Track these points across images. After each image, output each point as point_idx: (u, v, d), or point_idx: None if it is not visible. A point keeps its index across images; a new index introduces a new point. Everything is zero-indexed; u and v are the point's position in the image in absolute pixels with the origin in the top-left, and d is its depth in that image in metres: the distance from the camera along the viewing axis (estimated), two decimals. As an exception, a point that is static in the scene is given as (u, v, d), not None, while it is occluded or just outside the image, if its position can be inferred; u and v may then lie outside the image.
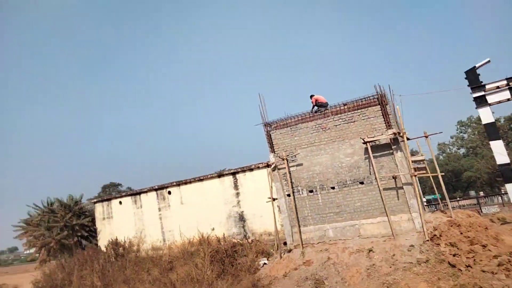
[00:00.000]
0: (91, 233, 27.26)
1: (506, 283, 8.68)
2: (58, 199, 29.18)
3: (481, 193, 34.64)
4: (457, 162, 45.23)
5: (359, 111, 12.84)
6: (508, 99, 13.31)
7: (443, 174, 13.09)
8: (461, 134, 49.57)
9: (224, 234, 17.40)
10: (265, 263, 13.36)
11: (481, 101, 13.60)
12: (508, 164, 13.18)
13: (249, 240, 15.89)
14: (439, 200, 19.42)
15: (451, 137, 50.44)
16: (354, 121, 12.84)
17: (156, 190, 21.34)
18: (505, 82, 13.15)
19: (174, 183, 20.75)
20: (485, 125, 13.77)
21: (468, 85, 13.76)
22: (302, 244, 12.88)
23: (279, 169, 13.97)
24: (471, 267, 9.49)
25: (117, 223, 22.41)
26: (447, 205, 12.64)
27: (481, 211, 16.68)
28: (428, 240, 10.78)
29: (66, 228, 26.80)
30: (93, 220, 25.69)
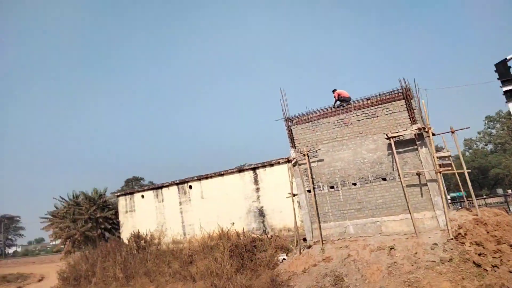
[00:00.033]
0: (114, 226, 27.89)
1: (537, 285, 8.33)
2: (83, 192, 29.98)
3: (509, 191, 33.43)
4: (484, 159, 43.85)
5: (382, 105, 12.54)
6: (541, 94, 12.73)
7: (469, 171, 12.63)
8: (489, 129, 47.94)
9: (243, 229, 17.42)
10: (284, 259, 13.29)
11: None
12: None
13: (269, 236, 15.85)
14: (465, 198, 18.86)
15: (478, 133, 48.85)
16: (378, 116, 12.55)
17: (177, 184, 21.58)
18: (538, 75, 12.57)
19: (195, 178, 20.92)
20: (516, 120, 13.22)
21: (498, 78, 13.22)
22: (322, 241, 12.74)
23: (299, 164, 13.84)
24: (498, 267, 9.15)
25: (139, 217, 22.79)
26: (473, 203, 12.21)
27: (509, 210, 16.10)
28: (452, 239, 10.45)
29: (90, 220, 27.50)
30: (116, 213, 26.27)
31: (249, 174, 19.18)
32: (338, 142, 13.15)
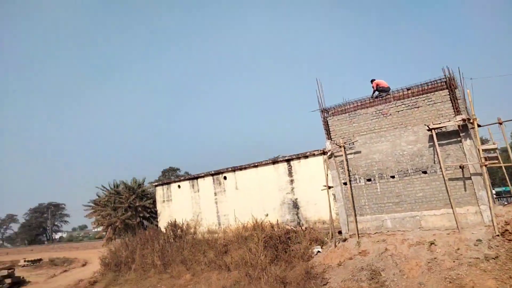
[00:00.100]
0: (152, 215, 28.78)
1: None
2: (123, 181, 31.13)
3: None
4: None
5: (424, 96, 12.02)
6: None
7: (517, 164, 11.91)
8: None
9: (277, 221, 17.41)
10: (319, 251, 13.17)
11: None
12: None
13: (303, 228, 15.75)
14: (512, 193, 17.85)
15: (528, 124, 45.88)
16: (418, 107, 12.05)
17: (212, 175, 21.87)
18: None
19: (230, 169, 21.11)
20: None
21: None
22: (358, 234, 12.49)
23: (335, 156, 13.60)
24: (550, 267, 8.59)
25: (175, 206, 23.34)
26: (523, 199, 11.52)
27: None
28: (498, 235, 9.91)
29: (130, 209, 28.53)
30: (154, 202, 27.05)
31: (283, 166, 19.09)
32: (376, 133, 12.78)
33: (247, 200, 19.91)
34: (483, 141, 15.04)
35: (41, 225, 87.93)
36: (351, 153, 13.25)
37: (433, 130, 11.35)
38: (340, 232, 13.58)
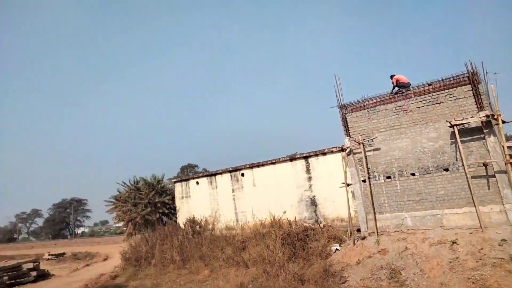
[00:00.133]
0: (171, 211, 29.13)
1: None
2: (143, 178, 31.62)
3: None
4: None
5: (446, 91, 11.72)
6: None
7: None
8: None
9: (295, 218, 17.37)
10: (337, 249, 13.07)
11: None
12: None
13: (321, 225, 15.65)
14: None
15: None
16: (440, 103, 11.77)
17: (230, 172, 21.97)
18: None
19: (247, 166, 21.16)
20: None
21: None
22: (377, 232, 12.33)
23: (354, 153, 13.43)
24: None
25: (194, 202, 23.58)
26: (550, 198, 11.12)
27: None
28: (524, 236, 9.62)
29: (150, 205, 28.95)
30: (173, 199, 27.38)
31: (301, 163, 19.01)
32: (395, 130, 12.56)
33: (264, 197, 19.94)
34: (508, 138, 14.60)
35: (64, 220, 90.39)
36: (370, 150, 13.07)
37: (455, 127, 11.07)
38: (358, 230, 13.44)
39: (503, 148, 10.60)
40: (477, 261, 9.43)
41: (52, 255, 29.35)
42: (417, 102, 12.21)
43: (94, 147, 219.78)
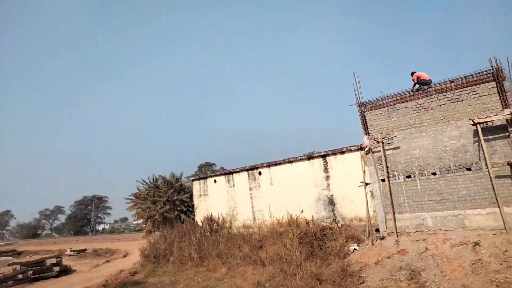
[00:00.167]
0: (189, 208, 29.41)
1: None
2: (162, 176, 32.05)
3: None
4: None
5: (468, 88, 11.40)
6: None
7: None
8: None
9: (313, 217, 17.23)
10: (355, 249, 12.92)
11: None
12: None
13: (339, 225, 15.50)
14: None
15: None
16: (462, 100, 11.46)
17: (247, 170, 21.99)
18: None
19: (265, 164, 21.13)
20: None
21: None
22: (396, 232, 12.12)
23: (373, 152, 13.23)
24: None
25: (211, 200, 23.71)
26: None
27: None
28: (552, 238, 9.28)
29: (168, 202, 29.32)
30: (191, 197, 27.63)
31: (318, 162, 18.86)
32: (416, 128, 12.30)
33: (282, 196, 19.87)
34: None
35: (85, 216, 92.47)
36: (389, 149, 12.85)
37: (478, 125, 10.77)
38: (377, 230, 13.25)
39: (529, 147, 10.26)
40: (501, 264, 9.16)
41: (74, 251, 30.02)
42: (439, 99, 11.92)
43: (114, 145, 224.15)
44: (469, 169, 11.20)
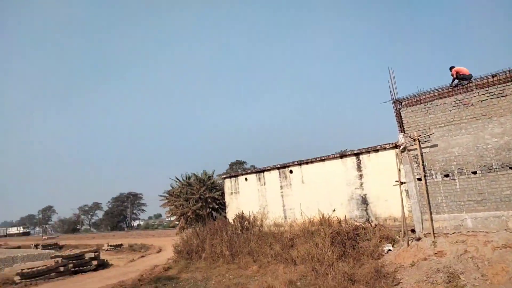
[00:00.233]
0: (221, 206, 29.73)
1: None
2: (194, 174, 32.61)
3: None
4: None
5: (512, 83, 10.80)
6: None
7: None
8: None
9: (345, 216, 16.94)
10: (389, 250, 12.56)
11: None
12: None
13: (372, 224, 15.14)
14: None
15: None
16: (506, 95, 10.83)
17: (278, 168, 21.93)
18: None
19: (296, 163, 20.99)
20: None
21: None
22: (433, 233, 11.65)
23: (409, 150, 12.79)
24: None
25: (242, 198, 23.84)
26: None
27: None
28: None
29: (200, 200, 29.76)
30: (222, 194, 27.92)
31: (351, 160, 18.51)
32: (455, 125, 11.77)
33: (313, 194, 19.67)
34: None
35: (121, 213, 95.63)
36: (426, 147, 12.37)
37: (523, 121, 10.17)
38: (413, 231, 12.82)
39: None
40: (549, 268, 8.61)
41: (110, 245, 31.03)
42: (480, 95, 11.35)
43: (150, 144, 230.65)
44: (513, 168, 10.60)
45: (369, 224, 15.13)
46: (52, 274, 17.20)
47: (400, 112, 13.15)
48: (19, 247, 38.27)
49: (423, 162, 12.31)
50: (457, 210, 11.47)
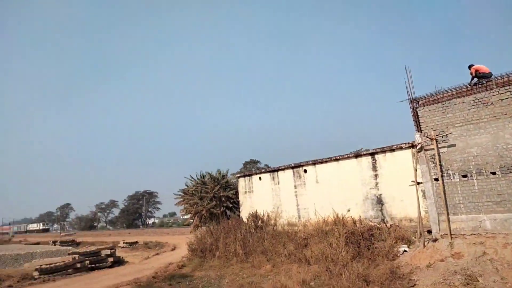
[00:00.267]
0: (235, 205, 29.82)
1: None
2: (209, 172, 32.79)
3: None
4: None
5: (534, 81, 10.50)
6: None
7: None
8: None
9: (360, 216, 16.77)
10: (405, 251, 12.38)
11: None
12: None
13: (387, 225, 14.95)
14: None
15: None
16: (527, 94, 10.56)
17: (292, 168, 21.86)
18: None
19: (310, 162, 20.88)
20: None
21: None
22: (450, 234, 11.43)
23: (426, 150, 12.58)
24: None
25: (256, 197, 23.85)
26: None
27: None
28: None
29: (215, 198, 29.91)
30: (236, 193, 27.98)
31: (366, 160, 18.31)
32: (474, 125, 11.51)
33: (327, 194, 19.55)
34: None
35: (137, 210, 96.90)
36: (443, 147, 12.14)
37: (546, 121, 9.88)
38: (429, 232, 12.60)
39: None
40: None
41: (126, 243, 31.47)
42: (500, 94, 11.07)
43: (165, 143, 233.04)
44: (534, 168, 10.31)
45: (384, 225, 14.94)
46: (70, 270, 17.52)
47: (417, 112, 12.94)
48: (37, 243, 39.12)
49: (440, 162, 12.09)
50: (475, 211, 11.23)
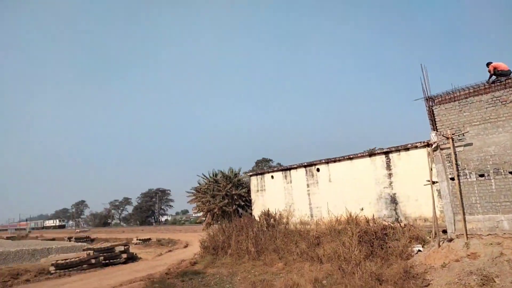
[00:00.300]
0: (247, 203, 29.85)
1: None
2: (221, 171, 32.90)
3: None
4: None
5: (555, 78, 10.24)
6: None
7: None
8: None
9: (373, 215, 16.61)
10: (419, 250, 12.22)
11: None
12: None
13: (401, 224, 14.77)
14: None
15: None
16: (547, 92, 10.31)
17: (305, 166, 21.78)
18: None
19: (323, 161, 20.78)
20: None
21: None
22: (466, 234, 11.22)
23: (441, 149, 12.37)
24: None
25: (268, 196, 23.83)
26: None
27: None
28: None
29: (227, 197, 29.99)
30: (248, 191, 28.02)
31: (380, 159, 18.13)
32: (491, 123, 11.27)
33: (340, 193, 19.42)
34: None
35: (150, 208, 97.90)
36: (460, 146, 11.93)
37: None
38: (444, 231, 12.41)
39: None
40: None
41: (139, 240, 31.81)
42: (519, 91, 10.83)
43: (178, 141, 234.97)
44: (554, 168, 10.06)
45: (398, 224, 14.77)
46: (84, 265, 17.82)
47: (432, 110, 12.74)
48: (53, 239, 39.93)
49: (456, 161, 11.88)
50: (493, 211, 11.01)
